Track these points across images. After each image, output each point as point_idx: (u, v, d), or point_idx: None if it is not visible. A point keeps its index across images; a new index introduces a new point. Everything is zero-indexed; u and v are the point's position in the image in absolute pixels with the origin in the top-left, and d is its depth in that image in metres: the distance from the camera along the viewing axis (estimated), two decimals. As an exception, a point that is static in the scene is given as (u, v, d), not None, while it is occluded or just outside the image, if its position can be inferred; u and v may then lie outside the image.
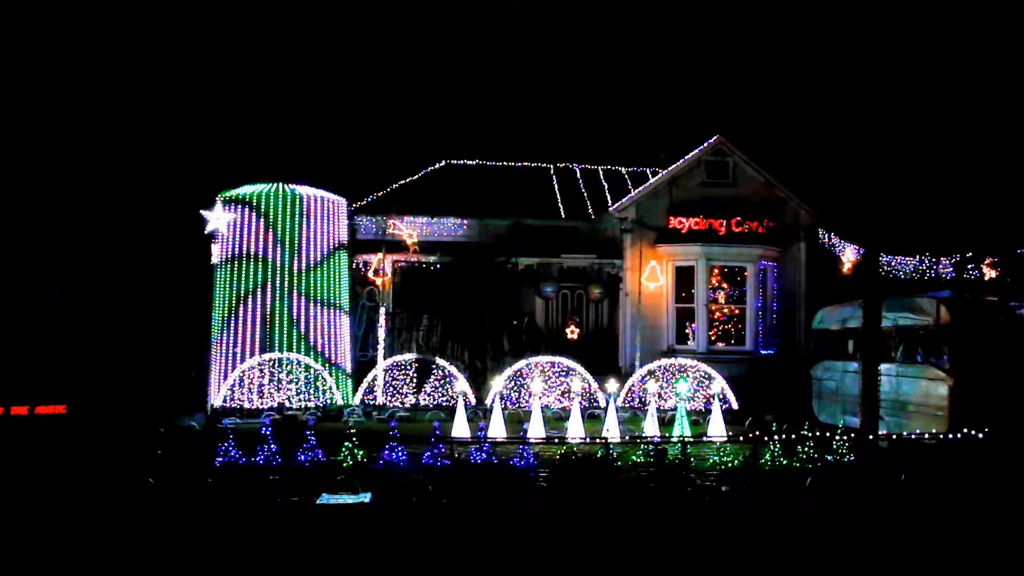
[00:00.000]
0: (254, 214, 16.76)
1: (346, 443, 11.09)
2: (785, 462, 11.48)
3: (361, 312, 19.20)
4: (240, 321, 16.42)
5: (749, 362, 18.82)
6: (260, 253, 16.61)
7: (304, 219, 16.94)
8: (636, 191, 20.57)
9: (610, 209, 20.47)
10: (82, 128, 27.34)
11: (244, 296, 16.52)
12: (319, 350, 16.71)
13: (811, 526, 8.96)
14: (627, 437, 13.14)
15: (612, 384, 14.94)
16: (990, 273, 18.05)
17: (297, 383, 15.87)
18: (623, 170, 24.38)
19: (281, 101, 37.39)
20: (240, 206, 16.87)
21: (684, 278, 19.45)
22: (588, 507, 9.39)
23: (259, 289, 16.47)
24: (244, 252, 16.67)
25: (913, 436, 12.08)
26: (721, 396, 15.51)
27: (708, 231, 19.54)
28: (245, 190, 17.04)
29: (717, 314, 19.24)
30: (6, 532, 8.21)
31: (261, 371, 15.78)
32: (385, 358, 17.26)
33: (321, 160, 29.54)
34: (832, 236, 20.27)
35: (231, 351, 16.38)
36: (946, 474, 10.60)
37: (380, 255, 18.80)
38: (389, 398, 16.27)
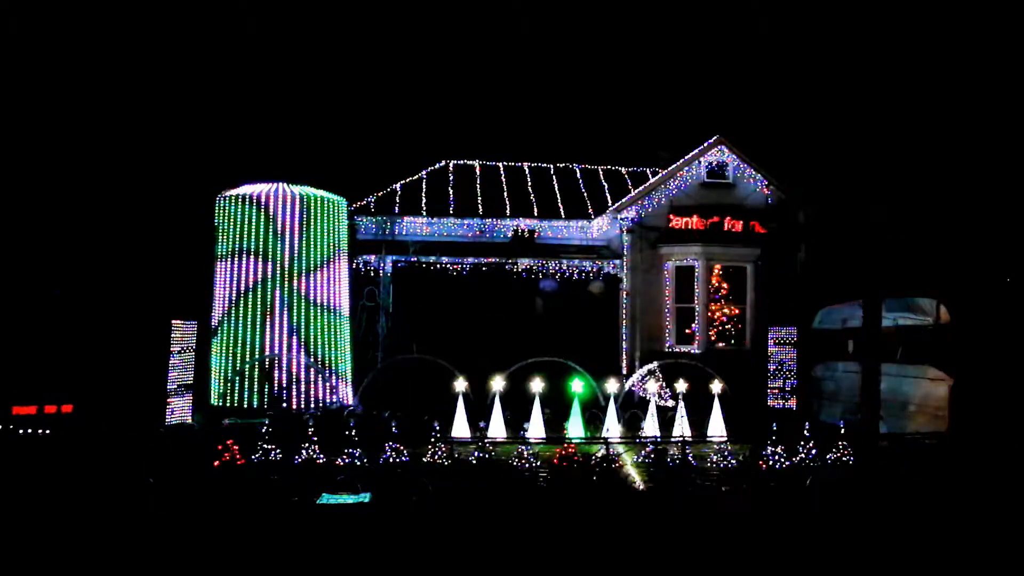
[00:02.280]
0: (254, 214, 16.73)
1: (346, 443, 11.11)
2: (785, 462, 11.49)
3: (361, 312, 19.20)
4: (240, 322, 16.39)
5: (749, 362, 18.81)
6: (260, 253, 16.57)
7: (304, 219, 16.91)
8: (636, 191, 20.57)
9: (610, 209, 20.47)
10: (83, 127, 27.34)
11: (245, 296, 16.49)
12: (319, 357, 16.60)
13: (811, 526, 8.95)
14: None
15: (612, 384, 14.94)
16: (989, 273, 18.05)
17: (297, 383, 15.86)
18: (623, 170, 24.40)
19: (282, 100, 37.41)
20: (240, 207, 16.84)
21: (684, 278, 19.46)
22: (588, 507, 9.39)
23: (259, 289, 16.44)
24: (244, 252, 16.64)
25: (913, 436, 12.10)
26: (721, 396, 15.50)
27: (708, 231, 19.57)
28: (245, 190, 17.02)
29: (717, 314, 19.24)
30: (7, 532, 8.21)
31: (261, 370, 15.76)
32: (385, 358, 17.25)
33: (321, 160, 29.57)
34: (831, 236, 20.28)
35: (230, 352, 16.36)
36: (946, 474, 10.61)
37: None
38: (389, 398, 16.25)
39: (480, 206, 21.74)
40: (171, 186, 25.45)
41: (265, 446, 11.12)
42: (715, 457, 11.74)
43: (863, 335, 13.42)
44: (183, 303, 19.79)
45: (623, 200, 20.22)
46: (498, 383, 16.08)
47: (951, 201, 25.98)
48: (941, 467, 10.85)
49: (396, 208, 21.19)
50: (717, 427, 14.64)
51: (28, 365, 16.64)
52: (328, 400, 16.07)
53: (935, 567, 7.62)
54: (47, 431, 12.77)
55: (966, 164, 27.04)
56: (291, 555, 7.57)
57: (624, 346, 19.71)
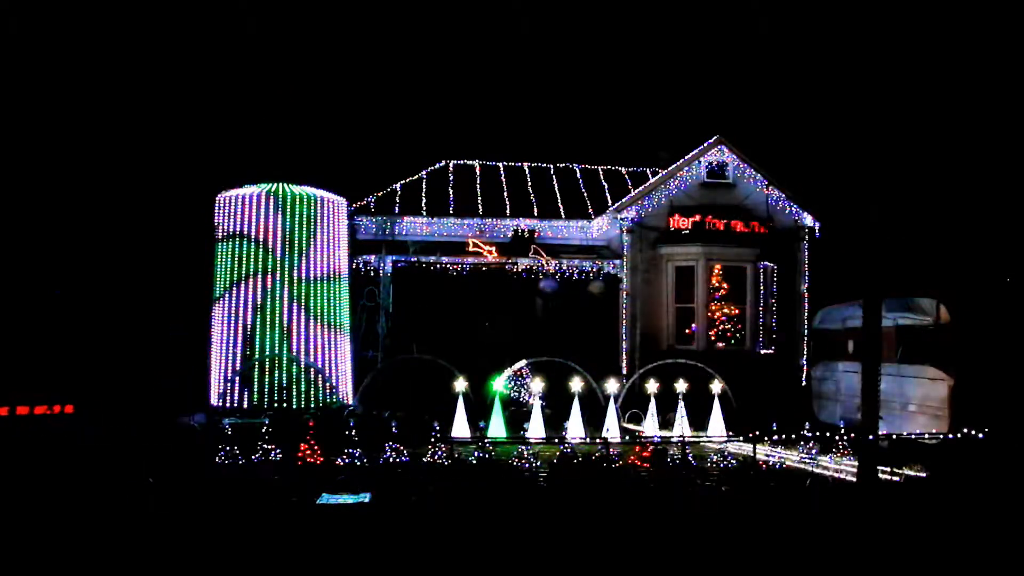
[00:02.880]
0: (254, 214, 16.72)
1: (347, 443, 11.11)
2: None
3: (361, 312, 19.19)
4: (239, 320, 16.38)
5: (749, 362, 18.81)
6: (260, 253, 16.55)
7: (304, 220, 16.89)
8: (636, 191, 20.57)
9: (610, 209, 20.47)
10: (82, 128, 27.33)
11: (245, 294, 16.48)
12: (319, 356, 16.49)
13: (810, 526, 8.95)
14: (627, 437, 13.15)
15: (612, 384, 14.94)
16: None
17: (297, 383, 15.86)
18: (623, 170, 24.40)
19: (282, 100, 37.41)
20: (241, 207, 16.84)
21: (684, 278, 19.45)
22: (587, 507, 9.39)
23: (259, 288, 16.43)
24: (244, 251, 16.62)
25: (913, 436, 12.09)
26: (721, 396, 15.51)
27: (708, 231, 19.56)
28: (245, 190, 17.01)
29: (717, 314, 19.23)
30: (9, 532, 8.21)
31: (261, 371, 15.75)
32: (385, 358, 17.24)
33: (321, 160, 29.58)
34: (831, 235, 20.30)
35: (231, 352, 16.35)
36: (946, 474, 10.61)
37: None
38: (389, 398, 16.25)
39: (480, 206, 21.74)
40: (171, 186, 25.44)
41: (265, 446, 11.13)
42: (715, 457, 11.74)
43: (863, 335, 13.41)
44: (183, 303, 19.80)
45: (623, 200, 20.22)
46: (498, 382, 16.09)
47: (951, 202, 25.98)
48: (941, 467, 10.84)
49: (396, 208, 21.19)
50: (717, 427, 14.64)
51: (27, 365, 16.64)
52: (328, 401, 16.05)
53: (935, 567, 7.62)
54: (47, 431, 12.79)
55: (966, 165, 27.04)
56: (291, 555, 7.57)
57: (624, 346, 19.72)
